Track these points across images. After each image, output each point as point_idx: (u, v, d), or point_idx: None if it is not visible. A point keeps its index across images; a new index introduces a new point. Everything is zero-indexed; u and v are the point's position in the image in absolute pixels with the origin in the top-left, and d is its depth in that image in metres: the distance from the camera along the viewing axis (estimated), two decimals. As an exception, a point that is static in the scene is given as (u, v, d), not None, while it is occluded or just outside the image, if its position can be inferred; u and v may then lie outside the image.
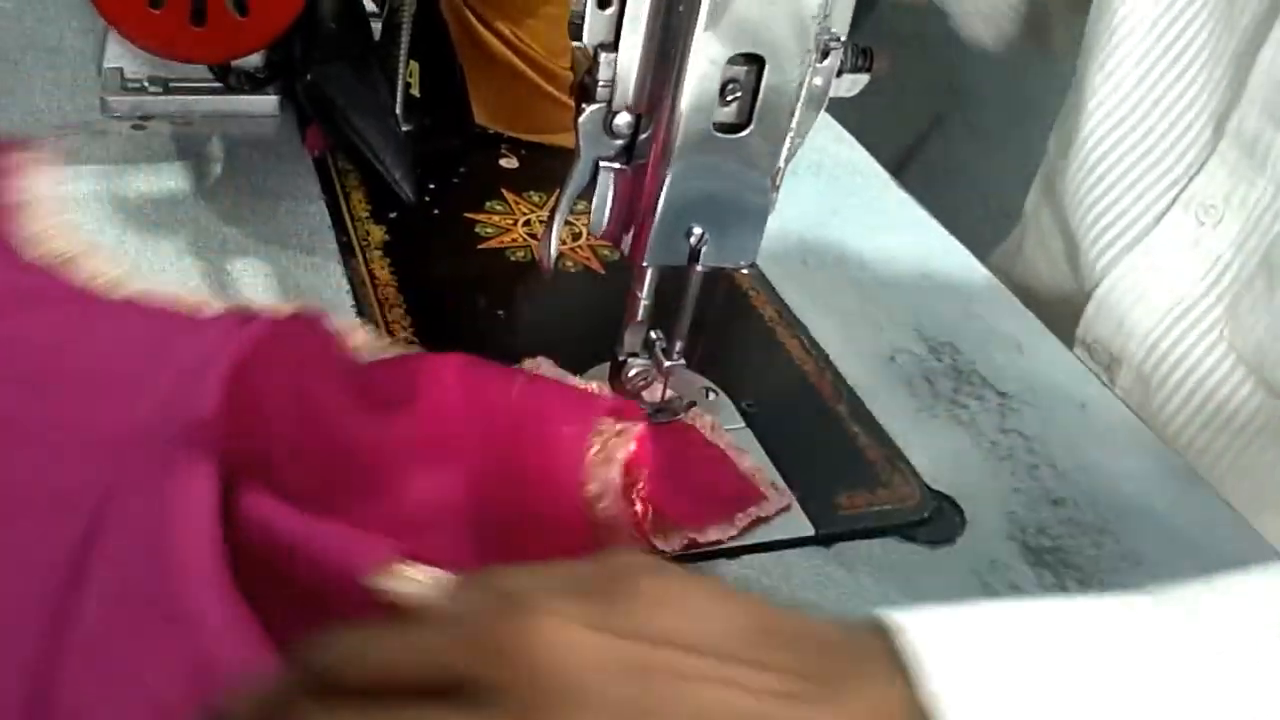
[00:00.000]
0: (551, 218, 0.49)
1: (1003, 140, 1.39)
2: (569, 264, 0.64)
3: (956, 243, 0.74)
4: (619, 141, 0.47)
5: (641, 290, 0.51)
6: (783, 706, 0.29)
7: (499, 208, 0.68)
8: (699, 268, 0.49)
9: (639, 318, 0.51)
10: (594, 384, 0.51)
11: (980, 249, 0.74)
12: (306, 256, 0.63)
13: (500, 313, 0.60)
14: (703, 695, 0.28)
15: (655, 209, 0.47)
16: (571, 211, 0.48)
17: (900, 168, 0.91)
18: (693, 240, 0.48)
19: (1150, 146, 0.62)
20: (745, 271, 0.67)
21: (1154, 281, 0.62)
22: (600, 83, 0.45)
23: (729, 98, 0.46)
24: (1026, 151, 1.35)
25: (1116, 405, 0.63)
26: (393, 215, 0.66)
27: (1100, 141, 0.64)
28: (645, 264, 0.49)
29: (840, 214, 0.75)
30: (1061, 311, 0.69)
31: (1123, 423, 0.61)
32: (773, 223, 0.51)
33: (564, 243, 0.66)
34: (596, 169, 0.48)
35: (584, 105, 0.46)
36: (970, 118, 1.46)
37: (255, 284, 0.60)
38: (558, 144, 0.73)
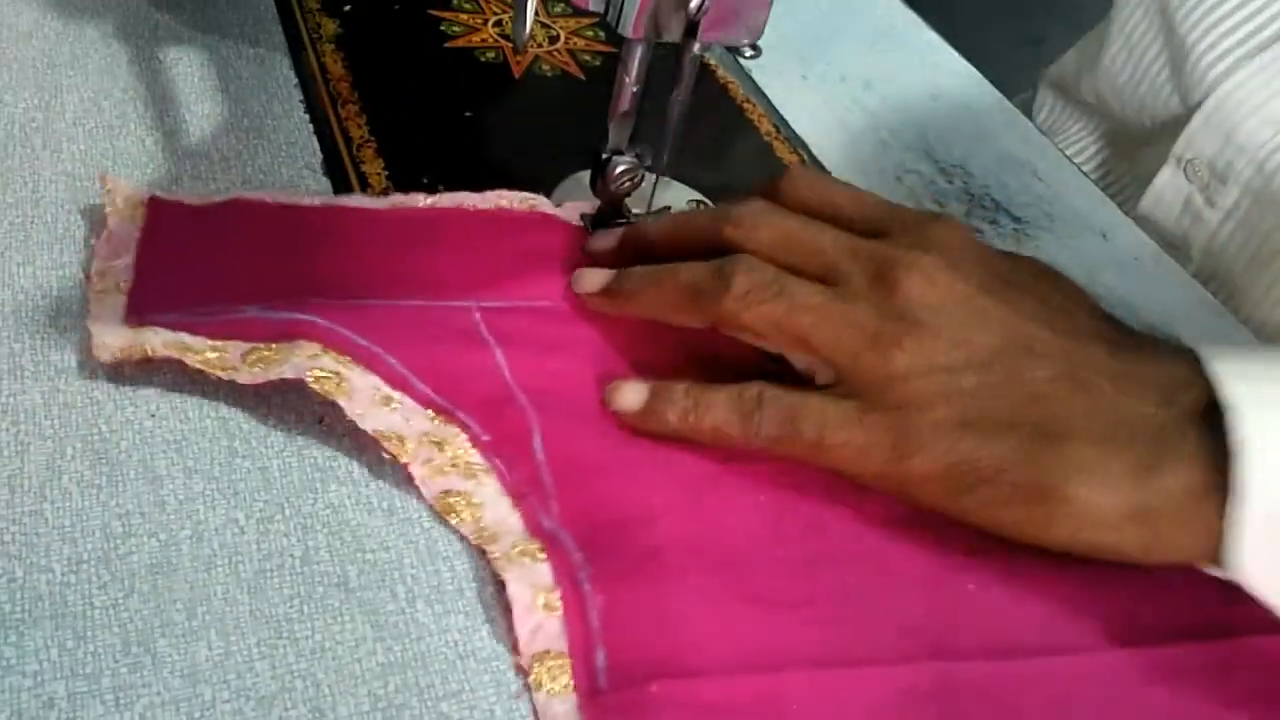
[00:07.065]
0: (526, -16, 0.42)
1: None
2: (545, 68, 0.58)
3: (969, 65, 0.68)
4: (607, -112, 0.40)
5: (630, 74, 0.44)
6: None
7: (467, 5, 0.61)
8: (697, 46, 0.43)
9: (625, 106, 0.45)
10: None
11: (1001, 78, 0.67)
12: (250, 48, 0.56)
13: (468, 114, 0.54)
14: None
15: (649, -31, 0.41)
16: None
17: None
18: (691, 8, 0.42)
19: None
20: (738, 84, 0.60)
21: (1271, 94, 0.57)
22: None
23: None
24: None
25: (1139, 235, 0.58)
26: (347, 8, 0.59)
27: None
28: (636, 38, 0.43)
29: (844, 32, 0.68)
30: (1159, 128, 0.64)
31: (1147, 252, 0.57)
32: (769, 37, 0.44)
33: (540, 45, 0.59)
34: (580, -76, 0.41)
35: None
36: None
37: (190, 74, 0.53)
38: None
